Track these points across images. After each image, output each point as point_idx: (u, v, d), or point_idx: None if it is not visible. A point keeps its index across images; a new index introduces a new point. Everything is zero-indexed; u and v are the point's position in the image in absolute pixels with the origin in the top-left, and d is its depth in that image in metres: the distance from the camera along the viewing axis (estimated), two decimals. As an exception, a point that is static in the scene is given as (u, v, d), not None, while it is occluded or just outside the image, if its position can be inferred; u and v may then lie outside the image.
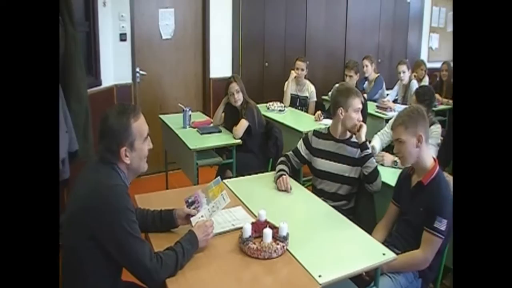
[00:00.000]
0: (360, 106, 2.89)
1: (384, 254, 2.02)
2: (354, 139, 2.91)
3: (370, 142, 3.15)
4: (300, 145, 3.05)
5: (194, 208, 2.18)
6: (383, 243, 2.20)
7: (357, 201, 2.96)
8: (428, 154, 2.40)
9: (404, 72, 5.80)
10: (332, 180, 2.91)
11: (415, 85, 5.67)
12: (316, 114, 4.77)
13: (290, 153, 3.07)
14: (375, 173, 2.78)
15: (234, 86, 4.00)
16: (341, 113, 2.86)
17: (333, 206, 2.58)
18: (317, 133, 3.03)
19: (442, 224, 2.21)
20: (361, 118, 2.90)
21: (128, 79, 5.15)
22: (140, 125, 1.87)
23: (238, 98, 4.01)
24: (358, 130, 2.84)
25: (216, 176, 2.37)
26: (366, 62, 6.01)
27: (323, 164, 2.94)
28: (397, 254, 2.12)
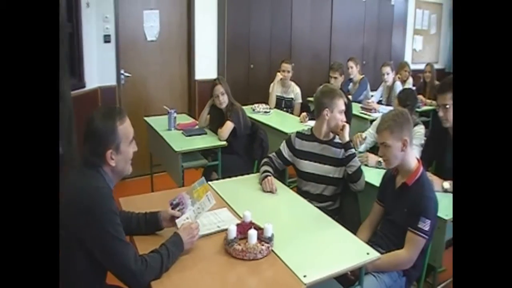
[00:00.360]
0: (344, 107, 2.93)
1: (368, 254, 2.04)
2: (337, 139, 2.93)
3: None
4: (283, 147, 3.06)
5: (179, 210, 2.17)
6: (367, 243, 2.21)
7: (341, 201, 2.98)
8: (412, 155, 2.43)
9: (388, 73, 5.85)
10: (317, 181, 2.93)
11: (399, 86, 5.73)
12: (301, 115, 4.80)
13: (273, 154, 3.07)
14: (359, 172, 2.80)
15: (219, 89, 4.00)
16: (327, 114, 2.88)
17: (318, 207, 2.59)
18: (300, 135, 3.04)
19: (426, 225, 2.23)
20: (344, 119, 2.93)
21: (112, 81, 5.10)
22: (126, 127, 1.87)
23: (223, 100, 4.01)
24: (342, 130, 2.86)
25: (202, 179, 2.37)
26: (351, 63, 6.06)
27: (307, 166, 2.95)
28: (381, 253, 2.14)
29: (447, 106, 2.88)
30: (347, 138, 2.85)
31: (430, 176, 2.75)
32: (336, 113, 2.88)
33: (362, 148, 3.57)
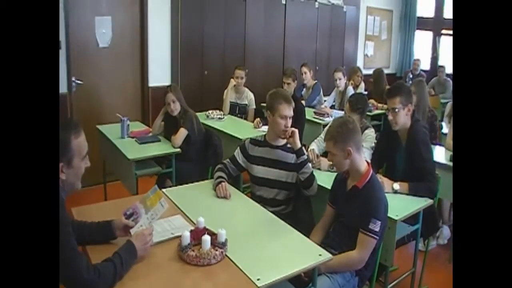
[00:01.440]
0: (288, 113, 2.86)
1: (320, 255, 2.08)
2: (290, 144, 2.93)
3: (306, 147, 3.21)
4: (237, 153, 3.07)
5: (133, 220, 2.14)
6: (320, 245, 2.26)
7: (295, 205, 3.01)
8: (362, 159, 2.49)
9: (340, 79, 5.97)
10: (270, 186, 2.95)
11: (351, 91, 5.86)
12: (255, 121, 4.82)
13: (227, 161, 3.08)
14: (311, 178, 2.83)
15: (170, 96, 3.98)
16: (269, 117, 2.91)
17: (272, 212, 2.62)
18: (253, 141, 3.06)
19: (376, 226, 2.30)
20: (288, 125, 2.87)
21: (63, 89, 4.95)
22: (80, 142, 1.83)
23: (175, 108, 4.00)
24: (291, 136, 2.84)
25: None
26: (304, 69, 6.14)
27: (260, 171, 2.97)
28: (334, 254, 2.19)
29: (396, 110, 2.97)
30: (298, 145, 2.84)
31: (381, 178, 2.83)
32: (277, 117, 2.85)
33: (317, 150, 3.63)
